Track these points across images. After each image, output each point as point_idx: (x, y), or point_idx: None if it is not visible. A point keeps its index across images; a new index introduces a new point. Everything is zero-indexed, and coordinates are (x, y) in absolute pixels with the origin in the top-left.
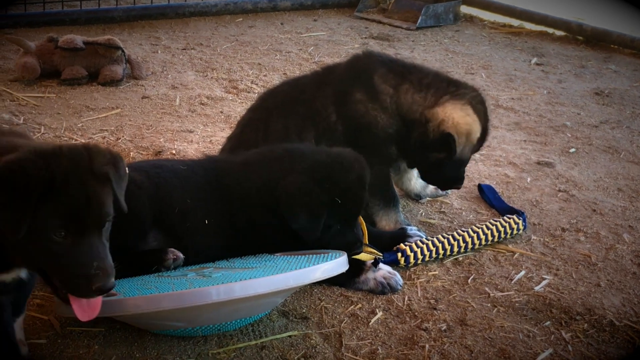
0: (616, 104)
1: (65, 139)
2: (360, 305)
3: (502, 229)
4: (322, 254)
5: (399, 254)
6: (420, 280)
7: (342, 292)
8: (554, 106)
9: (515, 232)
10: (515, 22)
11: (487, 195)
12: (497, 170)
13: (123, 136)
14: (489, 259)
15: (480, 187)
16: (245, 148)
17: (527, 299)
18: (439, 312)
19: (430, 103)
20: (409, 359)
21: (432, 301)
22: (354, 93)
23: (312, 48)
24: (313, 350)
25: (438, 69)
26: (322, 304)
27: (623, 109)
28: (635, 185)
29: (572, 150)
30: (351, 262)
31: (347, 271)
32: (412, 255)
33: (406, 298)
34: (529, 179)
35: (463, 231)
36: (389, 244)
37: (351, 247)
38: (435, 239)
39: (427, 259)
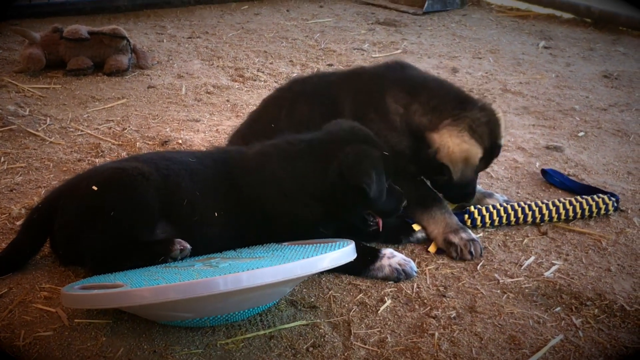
0: (625, 86)
1: (71, 130)
2: (369, 293)
3: (587, 207)
4: (330, 243)
5: (466, 215)
6: (429, 267)
7: (350, 281)
8: (563, 90)
9: (602, 212)
10: (522, 5)
11: (557, 178)
12: (506, 155)
13: (129, 126)
14: (498, 245)
15: (544, 172)
16: (265, 123)
17: (537, 284)
18: (448, 299)
19: (433, 127)
20: (419, 347)
21: (441, 288)
22: (368, 113)
23: (318, 35)
24: (322, 339)
25: (452, 84)
26: (330, 292)
27: (632, 91)
28: None
29: (581, 134)
30: (366, 249)
31: (361, 259)
32: (479, 218)
33: (415, 286)
34: (537, 164)
35: (542, 202)
36: (393, 233)
37: (402, 200)
38: (509, 206)
39: (496, 223)
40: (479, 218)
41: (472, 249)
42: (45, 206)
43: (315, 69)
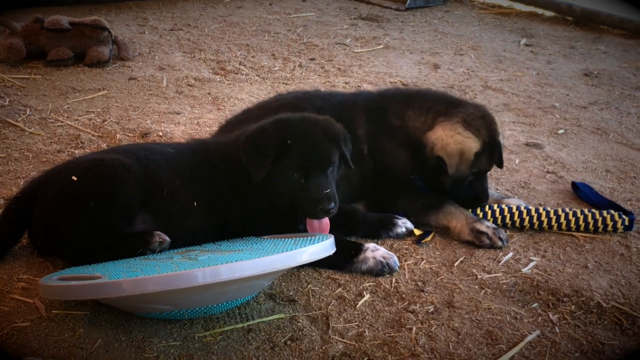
0: (605, 84)
1: (51, 120)
2: (347, 288)
3: (591, 221)
4: (310, 237)
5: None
6: (407, 262)
7: (329, 275)
8: (543, 87)
9: (610, 228)
10: (504, 2)
11: (585, 192)
12: None
13: (109, 118)
14: None
15: (574, 185)
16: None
17: (515, 280)
18: (426, 294)
19: (427, 127)
20: (396, 341)
21: (419, 283)
22: (377, 140)
23: (300, 29)
24: (300, 332)
25: (444, 90)
26: (309, 286)
27: (612, 89)
28: (624, 167)
29: (561, 131)
30: (349, 243)
31: (345, 252)
32: (481, 214)
33: (394, 280)
34: (517, 161)
35: (544, 209)
36: (374, 227)
37: (318, 203)
38: (505, 207)
39: (499, 222)
40: (480, 214)
41: (501, 236)
42: (24, 197)
43: (298, 63)
